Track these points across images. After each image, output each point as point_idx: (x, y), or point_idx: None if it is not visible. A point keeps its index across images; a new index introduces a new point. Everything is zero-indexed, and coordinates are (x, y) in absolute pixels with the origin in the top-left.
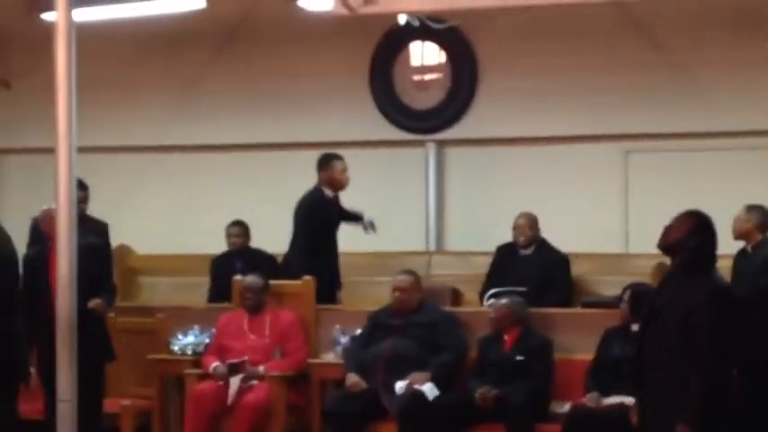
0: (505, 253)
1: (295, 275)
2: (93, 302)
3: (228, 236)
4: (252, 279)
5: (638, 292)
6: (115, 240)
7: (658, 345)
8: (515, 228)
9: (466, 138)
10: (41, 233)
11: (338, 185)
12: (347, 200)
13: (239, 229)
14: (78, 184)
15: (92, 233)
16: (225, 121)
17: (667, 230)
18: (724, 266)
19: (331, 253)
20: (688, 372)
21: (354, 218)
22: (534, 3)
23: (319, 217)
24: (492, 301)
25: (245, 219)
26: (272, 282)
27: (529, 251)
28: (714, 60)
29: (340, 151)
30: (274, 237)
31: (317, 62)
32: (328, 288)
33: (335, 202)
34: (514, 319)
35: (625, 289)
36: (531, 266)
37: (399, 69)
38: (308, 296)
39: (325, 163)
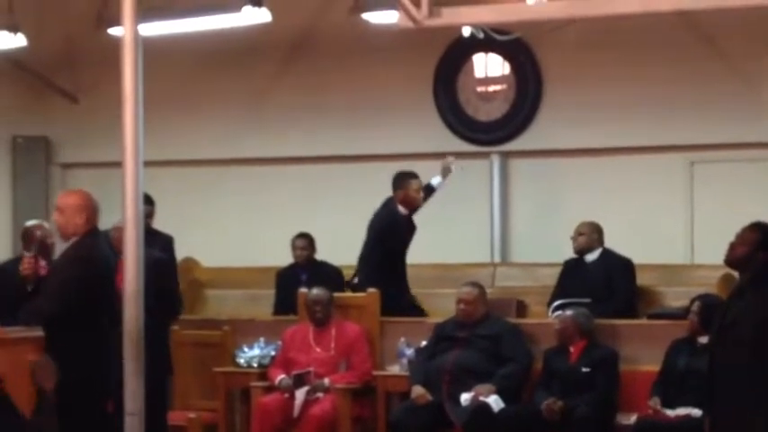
0: (572, 265)
1: (363, 288)
2: None
3: (294, 248)
4: (318, 292)
5: (708, 304)
6: (181, 253)
7: (729, 361)
8: (572, 238)
9: (530, 149)
10: (112, 248)
11: (412, 204)
12: None
13: (305, 242)
14: (144, 199)
15: (157, 247)
16: (290, 134)
17: (733, 246)
18: None
19: (400, 269)
20: (759, 388)
21: (430, 191)
22: (598, 14)
23: (392, 234)
24: (558, 313)
25: (311, 231)
26: (336, 294)
27: (593, 258)
28: None
29: (405, 163)
30: (340, 249)
31: (382, 74)
32: (397, 301)
33: (409, 219)
34: (580, 331)
35: (693, 300)
36: (596, 275)
37: (463, 81)
38: (373, 308)
39: (401, 181)
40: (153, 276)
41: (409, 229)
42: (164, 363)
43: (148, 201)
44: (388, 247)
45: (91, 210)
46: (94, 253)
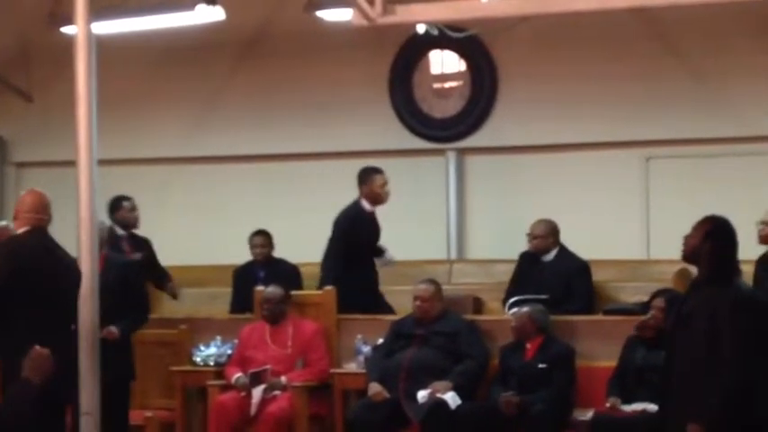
0: (528, 260)
1: (325, 285)
2: (106, 331)
3: (252, 246)
4: (270, 290)
5: (673, 298)
6: None
7: (685, 355)
8: (527, 235)
9: (486, 146)
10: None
11: (378, 199)
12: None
13: (263, 239)
14: (122, 197)
15: (136, 248)
16: (246, 132)
17: (686, 239)
18: (746, 271)
19: (369, 264)
20: (714, 381)
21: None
22: (553, 11)
23: (356, 230)
24: (514, 309)
25: (268, 229)
26: (293, 292)
27: (550, 258)
28: (734, 66)
29: (360, 161)
30: (297, 247)
31: (337, 72)
32: (368, 298)
33: (373, 216)
34: (537, 328)
35: (654, 296)
36: (552, 273)
37: (419, 78)
38: (330, 306)
39: (365, 176)
40: (121, 279)
41: (374, 225)
42: (125, 364)
43: (125, 198)
44: (350, 242)
45: (17, 209)
46: (11, 248)
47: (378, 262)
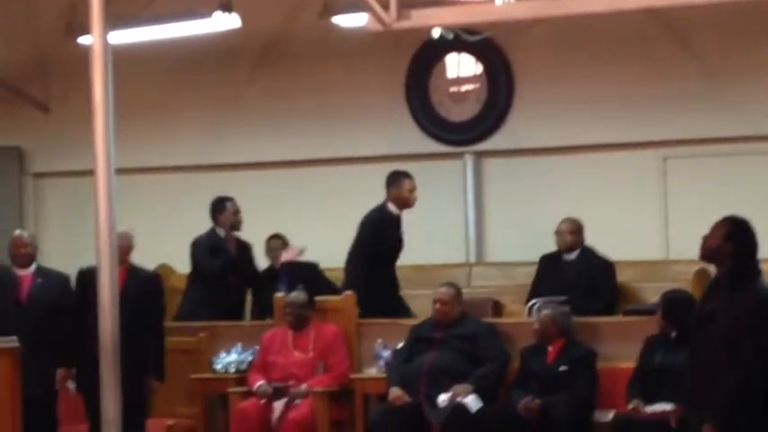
0: (549, 261)
1: (348, 288)
2: (152, 386)
3: (269, 250)
4: (295, 295)
5: (669, 300)
6: (156, 260)
7: (706, 356)
8: (557, 232)
9: (503, 148)
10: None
11: (405, 203)
12: None
13: (279, 242)
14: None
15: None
16: (263, 139)
17: (704, 240)
18: (765, 270)
19: (392, 268)
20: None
21: None
22: (568, 12)
23: (381, 234)
24: (536, 305)
25: (286, 235)
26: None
27: (572, 257)
28: (750, 65)
29: (378, 166)
30: (315, 252)
31: (353, 77)
32: (388, 303)
33: (400, 220)
34: (559, 330)
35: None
36: (575, 273)
37: (435, 82)
38: (350, 311)
39: (394, 180)
40: (142, 291)
41: (399, 229)
42: (141, 371)
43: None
44: (375, 246)
45: None
46: None
47: None
